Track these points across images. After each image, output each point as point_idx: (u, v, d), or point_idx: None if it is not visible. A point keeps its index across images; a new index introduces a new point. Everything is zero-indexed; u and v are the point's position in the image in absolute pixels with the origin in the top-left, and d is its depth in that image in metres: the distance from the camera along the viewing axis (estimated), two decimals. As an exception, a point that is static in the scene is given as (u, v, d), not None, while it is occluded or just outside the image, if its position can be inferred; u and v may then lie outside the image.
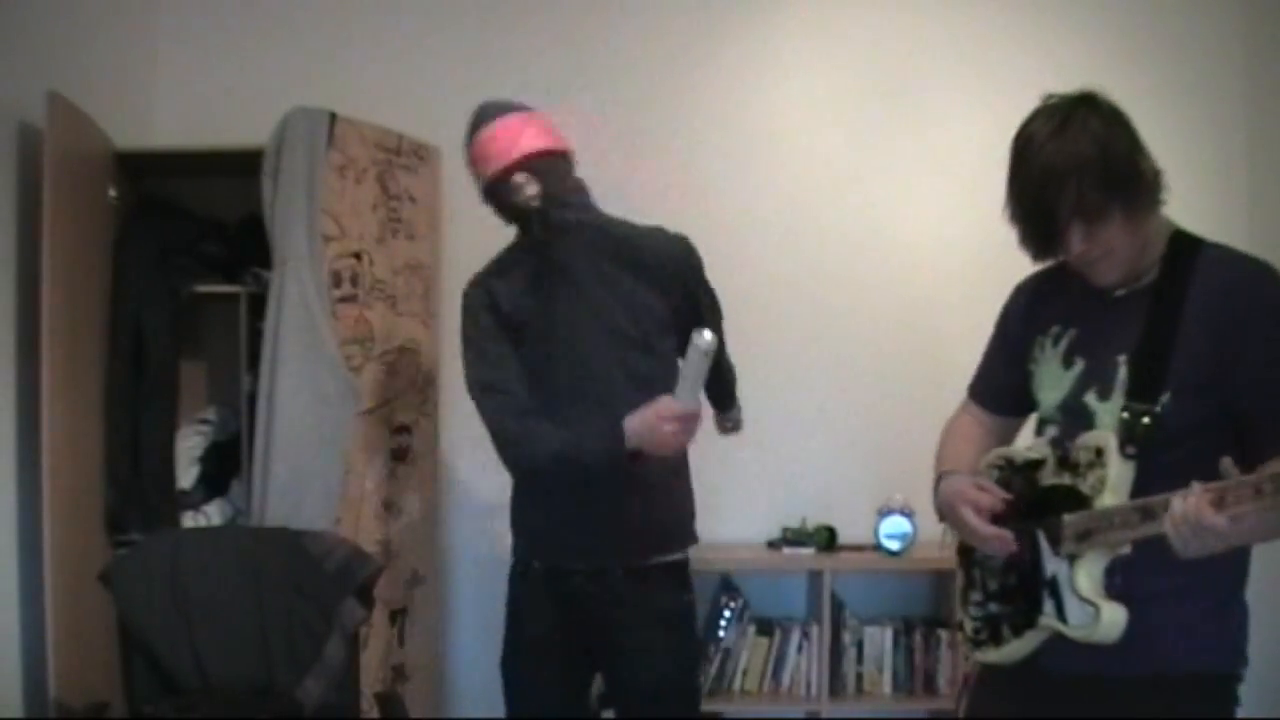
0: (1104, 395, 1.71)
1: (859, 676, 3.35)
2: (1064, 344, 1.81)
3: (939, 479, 1.91)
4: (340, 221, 2.94)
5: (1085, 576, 1.64)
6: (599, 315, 2.29)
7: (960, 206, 3.57)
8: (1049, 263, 1.84)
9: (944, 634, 3.31)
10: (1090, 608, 1.62)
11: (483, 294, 2.36)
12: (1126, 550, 1.63)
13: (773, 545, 3.44)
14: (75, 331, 2.75)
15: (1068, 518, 1.66)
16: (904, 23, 3.58)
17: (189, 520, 3.06)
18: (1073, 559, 1.66)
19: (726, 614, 3.34)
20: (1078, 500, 1.67)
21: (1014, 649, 1.77)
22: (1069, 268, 1.79)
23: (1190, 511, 1.44)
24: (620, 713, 2.43)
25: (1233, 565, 1.72)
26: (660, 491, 2.34)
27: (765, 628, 3.35)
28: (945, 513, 1.88)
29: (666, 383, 2.24)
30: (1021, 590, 1.76)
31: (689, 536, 2.42)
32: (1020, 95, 3.79)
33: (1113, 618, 1.61)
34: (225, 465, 3.17)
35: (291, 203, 2.83)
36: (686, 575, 2.40)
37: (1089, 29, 3.57)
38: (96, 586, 2.45)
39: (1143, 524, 1.54)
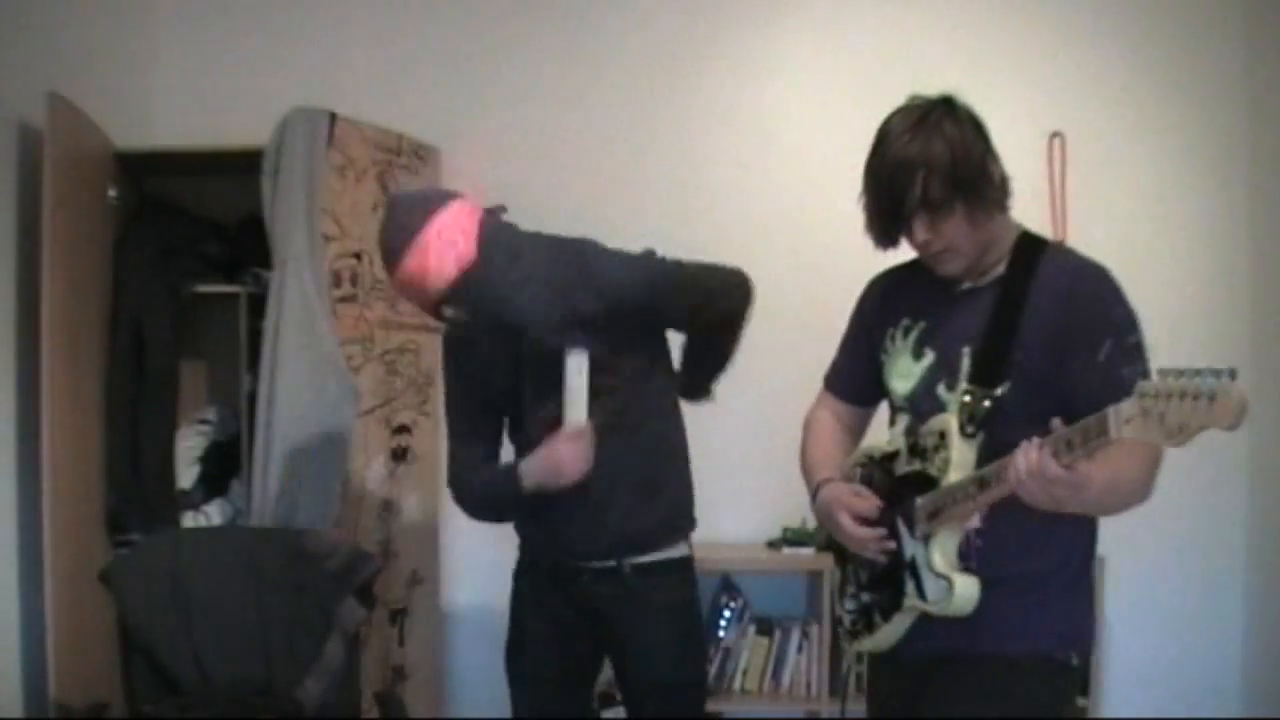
0: (951, 386, 1.80)
1: (859, 676, 3.34)
2: (914, 335, 1.89)
3: (816, 488, 1.96)
4: (340, 221, 2.94)
5: (939, 554, 1.73)
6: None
7: (960, 206, 3.57)
8: (889, 251, 1.91)
9: (944, 634, 3.31)
10: (944, 581, 1.71)
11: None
12: (976, 524, 1.74)
13: (773, 545, 3.44)
14: (75, 332, 2.75)
15: (919, 500, 1.76)
16: (904, 23, 3.58)
17: (189, 520, 3.06)
18: (927, 539, 1.75)
19: (726, 614, 3.34)
20: (929, 483, 1.76)
21: (885, 634, 1.85)
22: (921, 262, 1.88)
23: (1033, 464, 1.53)
24: (630, 710, 2.43)
25: (1077, 551, 1.82)
26: (662, 486, 2.33)
27: (765, 628, 3.35)
28: (824, 519, 1.94)
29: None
30: (888, 576, 1.83)
31: (690, 524, 2.41)
32: (1021, 97, 3.82)
33: (965, 590, 1.70)
34: (225, 465, 3.17)
35: (291, 203, 2.83)
36: (691, 570, 2.40)
37: (1089, 29, 3.57)
38: (96, 586, 2.45)
39: (981, 493, 1.65)
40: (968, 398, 1.75)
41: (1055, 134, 3.54)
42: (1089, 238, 3.53)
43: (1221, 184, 3.50)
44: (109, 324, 2.94)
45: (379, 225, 2.13)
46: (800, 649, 3.32)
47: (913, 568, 1.77)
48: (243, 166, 2.88)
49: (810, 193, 3.57)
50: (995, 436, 1.70)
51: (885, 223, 1.82)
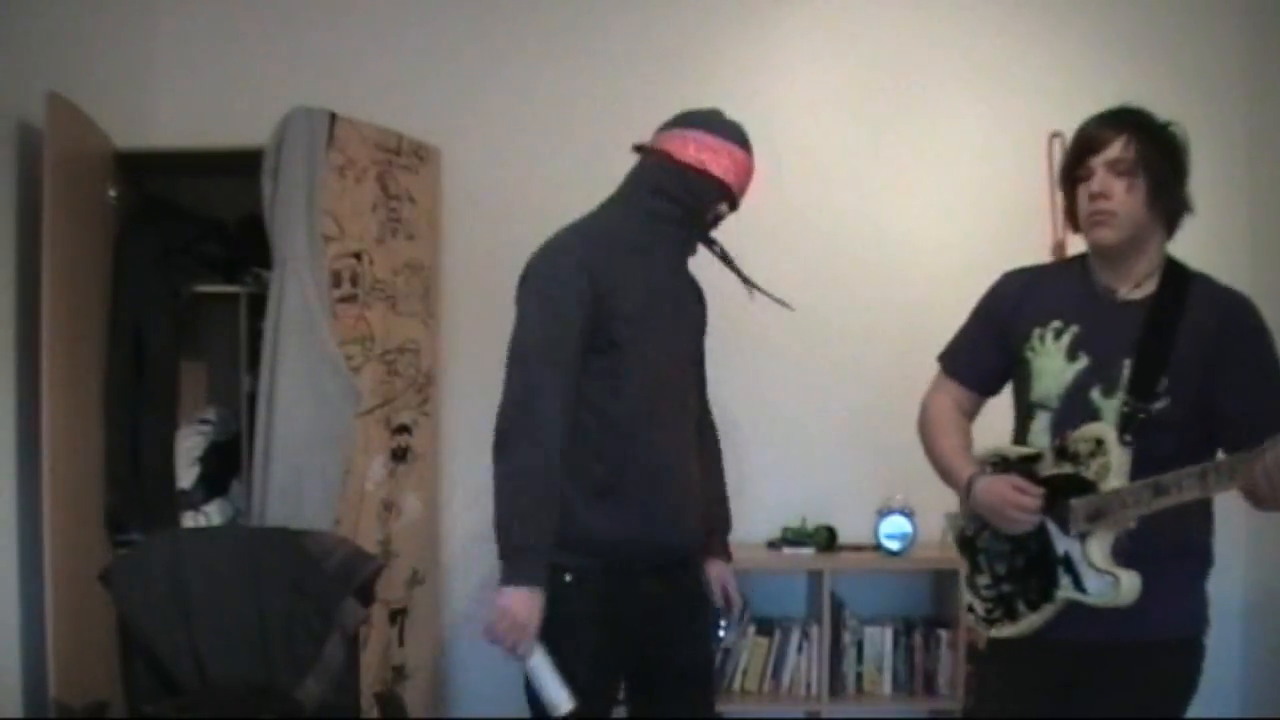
0: (1108, 392, 1.95)
1: (859, 676, 3.35)
2: (1066, 339, 2.01)
3: (969, 481, 2.08)
4: (340, 221, 2.94)
5: (1098, 551, 1.88)
6: None
7: (961, 206, 3.58)
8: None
9: (944, 634, 3.31)
10: (1109, 577, 1.86)
11: None
12: (1132, 525, 1.88)
13: (773, 545, 3.44)
14: (75, 331, 2.75)
15: (1076, 501, 1.89)
16: (905, 22, 3.58)
17: (189, 520, 3.06)
18: (1083, 536, 1.89)
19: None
20: (1082, 485, 1.90)
21: (1029, 622, 1.99)
22: (1058, 267, 2.10)
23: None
24: (650, 696, 2.40)
25: (1203, 539, 2.01)
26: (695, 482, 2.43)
27: (765, 628, 3.35)
28: (986, 511, 2.05)
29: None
30: (1032, 570, 1.99)
31: None
32: (1021, 96, 3.83)
33: (1130, 583, 1.84)
34: (225, 465, 3.17)
35: (291, 203, 2.83)
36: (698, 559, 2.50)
37: (1090, 29, 3.58)
38: (96, 586, 2.45)
39: (1155, 499, 1.78)
40: (1126, 408, 1.91)
41: (1055, 134, 3.53)
42: (1089, 238, 3.55)
43: (1221, 184, 3.50)
44: (109, 324, 2.94)
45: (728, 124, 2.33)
46: (800, 649, 3.32)
47: (1067, 563, 1.92)
48: (243, 166, 2.88)
49: (810, 192, 3.58)
50: (1143, 448, 1.88)
51: (1072, 178, 2.00)
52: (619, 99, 3.53)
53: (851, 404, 3.57)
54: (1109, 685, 1.95)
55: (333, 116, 2.92)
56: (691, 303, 2.46)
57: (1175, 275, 1.99)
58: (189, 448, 3.15)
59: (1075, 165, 1.99)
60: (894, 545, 3.31)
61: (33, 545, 2.61)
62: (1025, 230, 3.54)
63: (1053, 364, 2.02)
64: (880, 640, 3.34)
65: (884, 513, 3.34)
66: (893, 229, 3.57)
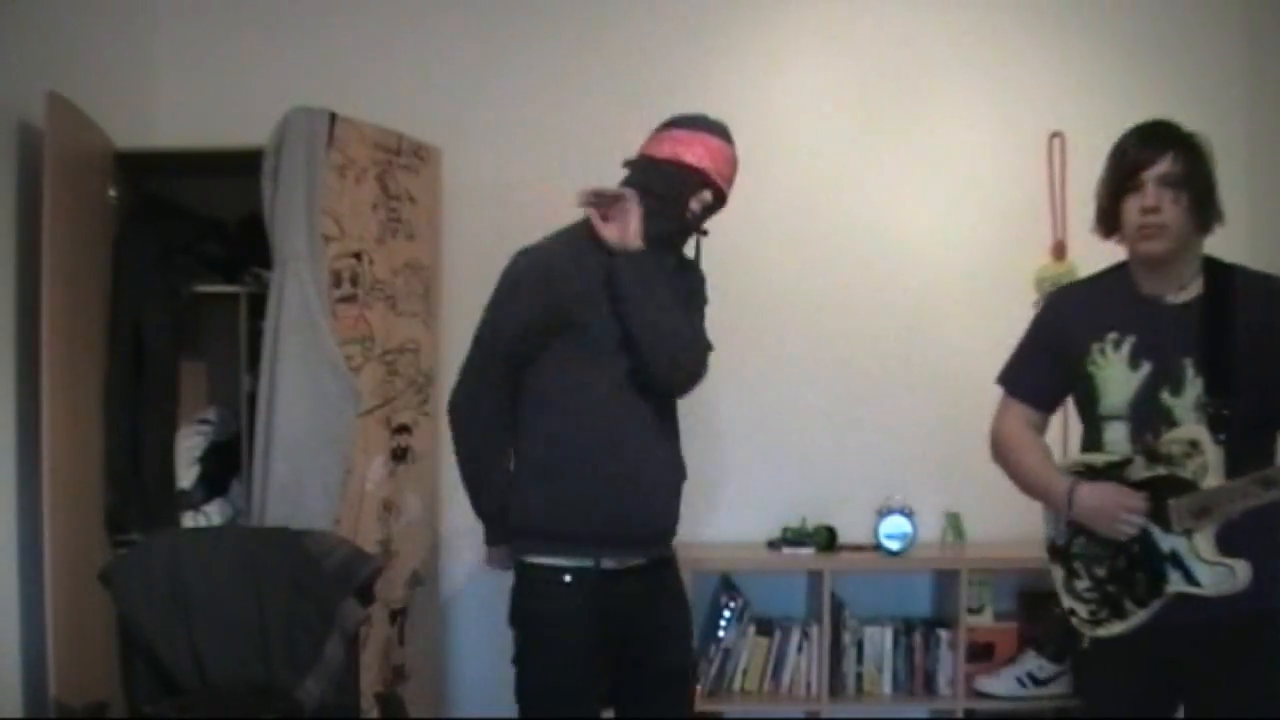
0: (1176, 392, 2.07)
1: (859, 676, 3.35)
2: (1126, 349, 2.13)
3: (1069, 490, 2.15)
4: (340, 221, 2.94)
5: (1206, 545, 2.01)
6: None
7: (961, 208, 3.58)
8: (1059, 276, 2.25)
9: (944, 634, 3.31)
10: (1222, 568, 2.00)
11: None
12: (1234, 518, 2.00)
13: (773, 545, 3.44)
14: (75, 331, 2.75)
15: (1179, 500, 2.03)
16: (905, 24, 3.58)
17: (189, 520, 3.06)
18: (1188, 533, 2.02)
19: (726, 614, 3.34)
20: (1181, 485, 2.03)
21: (1137, 619, 2.10)
22: (1101, 280, 2.23)
23: None
24: (632, 695, 2.42)
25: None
26: (680, 478, 2.47)
27: (765, 628, 3.35)
28: (1090, 517, 2.14)
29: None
30: (1136, 568, 2.10)
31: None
32: (1021, 97, 3.82)
33: (1244, 572, 1.99)
34: (225, 465, 3.17)
35: (291, 203, 2.83)
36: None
37: (1089, 30, 3.58)
38: (96, 586, 2.45)
39: (1266, 492, 1.94)
40: (1210, 409, 2.04)
41: (1055, 134, 3.54)
42: (1089, 238, 3.53)
43: (1221, 183, 3.49)
44: (109, 324, 2.94)
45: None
46: (800, 649, 3.32)
47: (1175, 559, 2.05)
48: (243, 166, 2.88)
49: (811, 193, 3.58)
50: (1231, 441, 2.01)
51: (1119, 189, 2.10)
52: (619, 99, 3.53)
53: (851, 404, 3.57)
54: (1219, 660, 2.07)
55: (333, 116, 2.92)
56: (689, 296, 2.49)
57: (1217, 273, 2.12)
58: (189, 448, 3.15)
59: (1126, 179, 2.08)
60: (894, 545, 3.31)
61: (33, 545, 2.60)
62: (1025, 230, 3.55)
63: (1117, 374, 2.13)
64: (880, 640, 3.34)
65: (884, 513, 3.34)
66: (893, 229, 3.57)
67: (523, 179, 3.52)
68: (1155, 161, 2.05)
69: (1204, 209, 2.08)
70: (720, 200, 2.42)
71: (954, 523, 3.49)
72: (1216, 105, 3.53)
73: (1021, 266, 3.54)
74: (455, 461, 2.46)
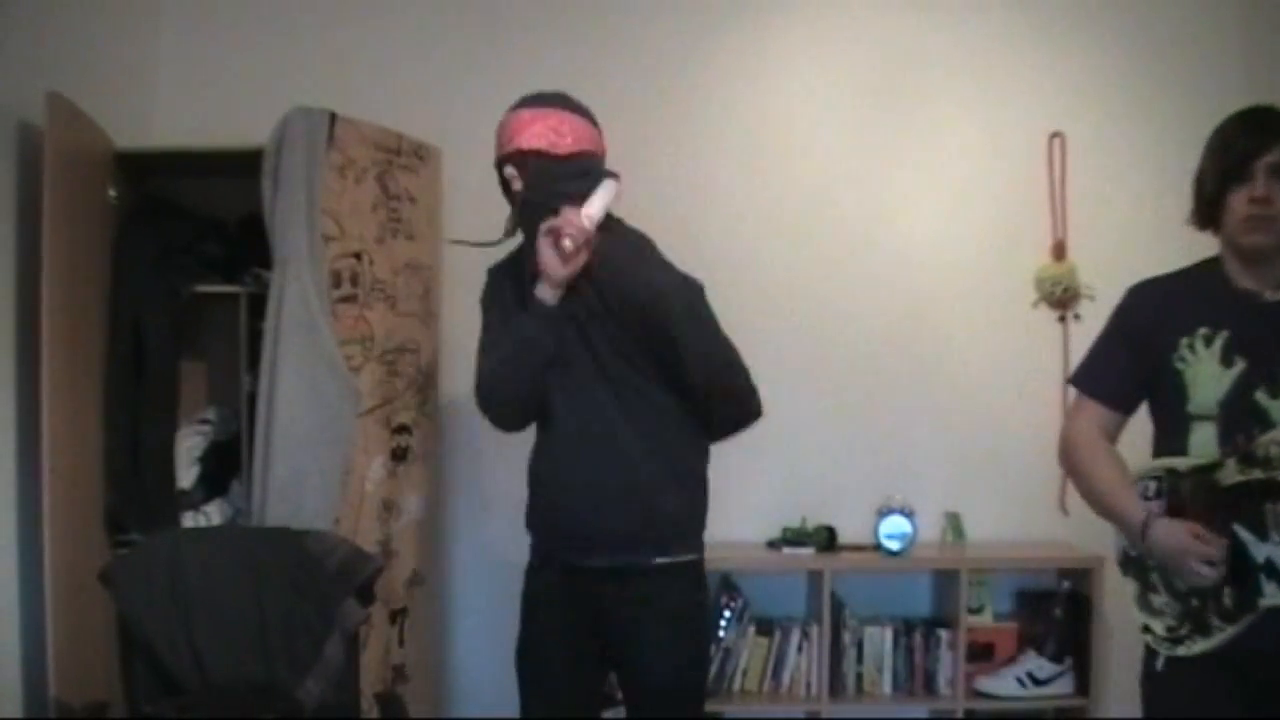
0: (1274, 393, 1.94)
1: (859, 676, 3.35)
2: (1218, 344, 1.99)
3: (1143, 525, 2.01)
4: (340, 221, 2.94)
5: None
6: None
7: (959, 207, 3.58)
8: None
9: (944, 634, 3.31)
10: None
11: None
12: None
13: (773, 545, 3.44)
14: (75, 331, 2.75)
15: (1278, 506, 1.88)
16: (905, 24, 3.58)
17: (189, 520, 3.06)
18: None
19: (726, 614, 3.34)
20: (1278, 489, 1.89)
21: (1224, 636, 1.94)
22: (1190, 274, 2.09)
23: None
24: (629, 711, 2.43)
25: None
26: (674, 490, 2.37)
27: (765, 628, 3.35)
28: (1163, 559, 2.01)
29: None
30: (1225, 581, 1.93)
31: (698, 539, 2.43)
32: (1021, 96, 3.82)
33: None
34: (225, 465, 3.17)
35: (291, 203, 2.83)
36: (701, 575, 2.43)
37: (1089, 30, 3.58)
38: (96, 586, 2.45)
39: None
40: None
41: (1055, 134, 3.54)
42: (1089, 238, 3.55)
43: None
44: (109, 324, 2.94)
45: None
46: (800, 649, 3.32)
47: (1271, 570, 1.90)
48: (243, 166, 2.88)
49: (810, 192, 3.58)
50: None
51: (1225, 179, 1.99)
52: (619, 99, 3.52)
53: (851, 404, 3.57)
54: None
55: (333, 116, 2.92)
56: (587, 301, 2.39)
57: None
58: (189, 448, 3.15)
59: (1237, 168, 1.98)
60: (894, 545, 3.31)
61: (33, 545, 2.60)
62: (1025, 230, 3.55)
63: (1208, 371, 1.99)
64: (880, 640, 3.35)
65: (884, 513, 3.34)
66: (893, 229, 3.57)
67: (523, 179, 3.52)
68: (1269, 149, 1.95)
69: None
70: (515, 164, 2.46)
71: (954, 523, 3.50)
72: (1217, 105, 3.52)
73: (1021, 266, 3.54)
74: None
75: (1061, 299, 3.50)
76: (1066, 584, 3.36)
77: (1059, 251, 3.54)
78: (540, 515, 2.45)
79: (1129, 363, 2.12)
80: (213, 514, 3.11)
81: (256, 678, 2.46)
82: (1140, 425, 2.18)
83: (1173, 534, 1.97)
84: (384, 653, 3.06)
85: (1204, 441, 1.99)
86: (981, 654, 3.34)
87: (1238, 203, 1.98)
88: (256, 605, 2.50)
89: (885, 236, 3.57)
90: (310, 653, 2.45)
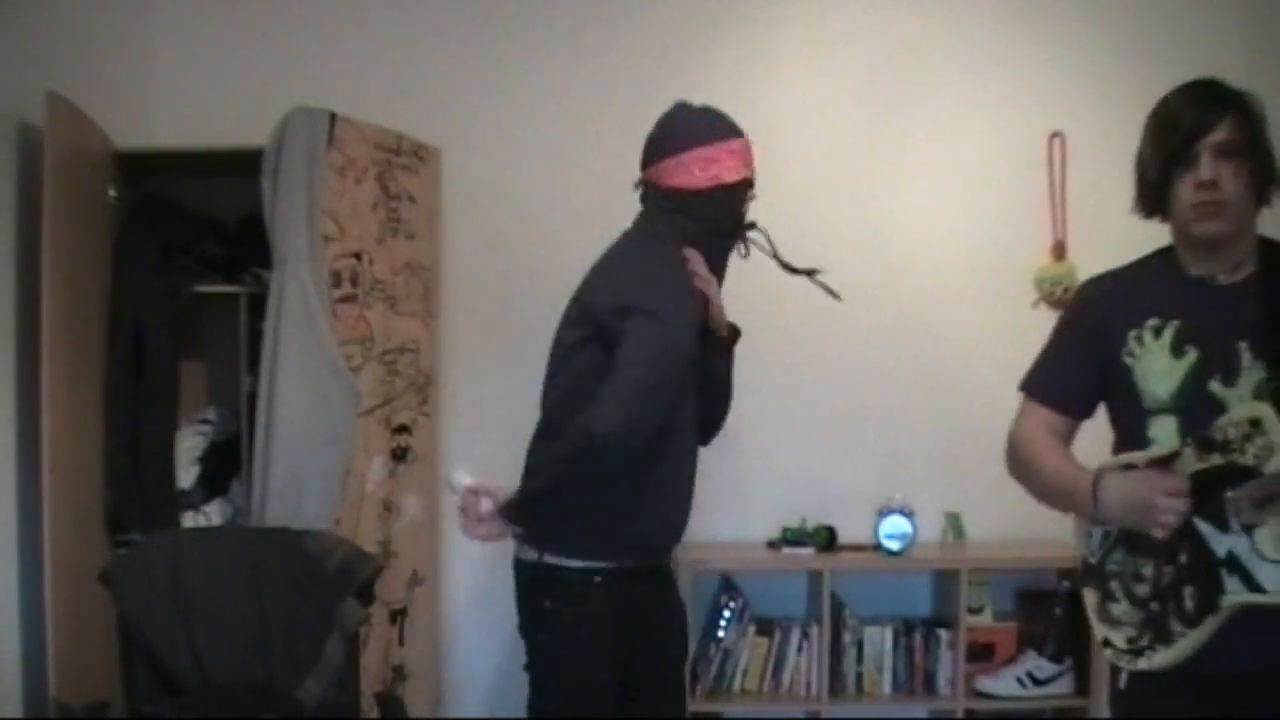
0: (1229, 381, 1.78)
1: (859, 676, 3.35)
2: (1168, 334, 1.85)
3: (1094, 480, 1.85)
4: (340, 221, 2.94)
5: (1270, 541, 1.68)
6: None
7: (959, 209, 3.58)
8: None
9: (944, 634, 3.31)
10: None
11: None
12: None
13: (773, 545, 3.44)
14: (75, 332, 2.75)
15: (1238, 491, 1.70)
16: (905, 25, 3.58)
17: (189, 520, 3.06)
18: (1251, 528, 1.69)
19: (726, 614, 3.34)
20: (1240, 475, 1.70)
21: (1189, 642, 1.75)
22: (1141, 265, 1.95)
23: None
24: (629, 697, 2.42)
25: None
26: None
27: (765, 628, 3.35)
28: (1123, 512, 1.83)
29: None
30: (1184, 581, 1.76)
31: None
32: (1021, 96, 3.81)
33: None
34: (225, 465, 3.17)
35: (291, 203, 2.83)
36: None
37: (1089, 30, 3.57)
38: (96, 586, 2.45)
39: None
40: (1272, 383, 1.73)
41: (1055, 134, 3.54)
42: (1089, 238, 3.55)
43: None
44: (109, 324, 2.94)
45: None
46: (800, 649, 3.32)
47: (1232, 563, 1.70)
48: (243, 166, 2.88)
49: (810, 193, 3.57)
50: None
51: (1169, 163, 1.82)
52: (619, 99, 3.53)
53: (851, 404, 3.57)
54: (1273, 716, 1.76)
55: (333, 116, 2.92)
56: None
57: (1271, 250, 1.86)
58: (189, 448, 3.15)
59: (1180, 150, 1.79)
60: (894, 545, 3.31)
61: (33, 545, 2.60)
62: (1025, 230, 3.55)
63: (1158, 364, 1.84)
64: (880, 640, 3.34)
65: (884, 513, 3.34)
66: (893, 229, 3.57)
67: (523, 179, 3.52)
68: (1213, 128, 1.77)
69: (1266, 179, 1.81)
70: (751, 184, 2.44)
71: (954, 523, 3.50)
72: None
73: (1021, 266, 3.54)
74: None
75: (1061, 299, 3.49)
76: (1066, 584, 3.36)
77: (1059, 251, 3.53)
78: (661, 523, 2.38)
79: (1079, 363, 1.96)
80: (213, 514, 3.11)
81: (256, 678, 2.46)
82: (1097, 429, 2.06)
83: (1124, 481, 1.81)
84: (384, 653, 3.06)
85: (1164, 437, 1.84)
86: (981, 654, 3.34)
87: (1184, 189, 1.80)
88: (256, 605, 2.51)
89: (885, 236, 3.57)
90: (310, 653, 2.45)
